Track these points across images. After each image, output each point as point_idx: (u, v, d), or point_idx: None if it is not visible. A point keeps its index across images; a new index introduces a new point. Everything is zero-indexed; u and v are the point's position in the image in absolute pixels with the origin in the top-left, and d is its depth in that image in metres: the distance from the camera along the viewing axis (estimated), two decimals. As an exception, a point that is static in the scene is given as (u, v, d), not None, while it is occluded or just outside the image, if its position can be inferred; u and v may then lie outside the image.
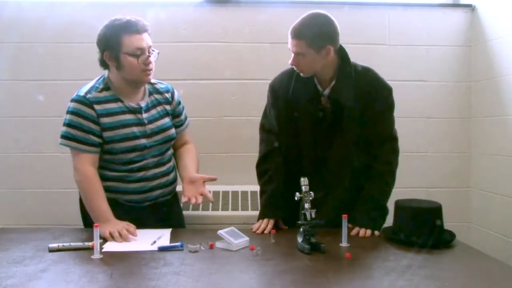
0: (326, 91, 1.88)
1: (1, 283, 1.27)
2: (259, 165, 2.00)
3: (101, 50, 1.89)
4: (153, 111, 1.96)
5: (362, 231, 1.81)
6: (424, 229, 1.63)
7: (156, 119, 1.95)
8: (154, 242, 1.66)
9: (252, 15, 2.87)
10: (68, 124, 1.85)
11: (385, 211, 1.88)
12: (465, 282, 1.34)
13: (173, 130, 2.01)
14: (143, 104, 1.93)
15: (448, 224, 1.73)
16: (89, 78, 2.82)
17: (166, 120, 1.99)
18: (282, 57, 2.79)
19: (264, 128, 2.02)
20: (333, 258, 1.52)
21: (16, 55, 2.83)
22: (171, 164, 2.04)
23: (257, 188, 2.76)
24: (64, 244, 1.60)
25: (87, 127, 1.84)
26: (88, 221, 1.89)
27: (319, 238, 1.59)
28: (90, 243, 1.56)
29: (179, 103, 2.07)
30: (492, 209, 2.77)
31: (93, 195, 1.84)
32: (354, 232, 1.82)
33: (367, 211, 1.85)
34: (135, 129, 1.89)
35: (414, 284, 1.28)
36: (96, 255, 1.49)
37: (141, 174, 1.92)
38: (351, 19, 2.88)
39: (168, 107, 2.01)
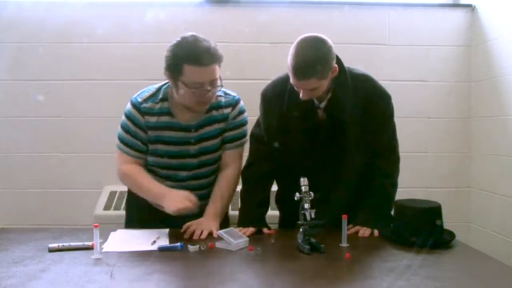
0: (323, 104, 1.81)
1: (1, 283, 1.26)
2: (244, 172, 1.97)
3: (164, 66, 1.78)
4: (206, 129, 1.88)
5: (362, 230, 1.81)
6: (424, 229, 1.63)
7: (204, 140, 1.88)
8: (154, 242, 1.66)
9: (251, 15, 2.88)
10: (121, 125, 1.88)
11: (389, 219, 1.83)
12: (464, 282, 1.34)
13: (218, 153, 1.93)
14: (194, 121, 1.85)
15: (448, 224, 1.73)
16: (89, 78, 2.88)
17: (214, 142, 1.90)
18: (282, 57, 2.81)
19: (254, 136, 1.98)
20: (332, 258, 1.52)
21: (16, 55, 2.83)
22: (207, 189, 1.98)
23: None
24: (64, 244, 1.59)
25: (135, 132, 1.84)
26: (129, 220, 2.02)
27: (319, 238, 1.59)
28: (90, 243, 1.56)
29: (234, 117, 1.91)
30: (492, 209, 2.77)
31: (138, 182, 1.85)
32: (352, 230, 1.81)
33: (370, 217, 1.84)
34: (176, 148, 1.86)
35: (413, 284, 1.28)
36: (96, 255, 1.49)
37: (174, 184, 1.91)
38: (351, 19, 2.89)
39: (221, 125, 1.89)
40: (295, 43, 1.71)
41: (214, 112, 1.88)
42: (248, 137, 1.98)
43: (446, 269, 1.43)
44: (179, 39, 1.76)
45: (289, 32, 2.86)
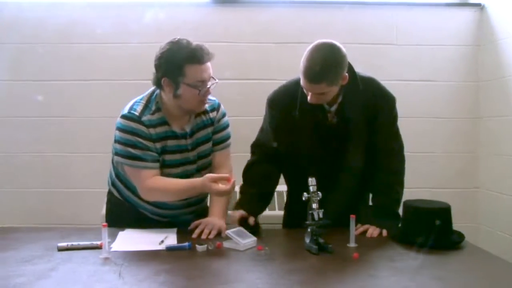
0: (333, 108, 1.83)
1: (11, 282, 1.28)
2: (245, 172, 1.96)
3: (159, 74, 1.77)
4: (198, 135, 1.90)
5: (370, 230, 1.80)
6: (432, 230, 1.62)
7: (199, 145, 1.90)
8: (162, 241, 1.67)
9: (258, 15, 2.88)
10: (125, 143, 1.78)
11: (397, 218, 1.84)
12: (473, 284, 1.33)
13: (211, 156, 1.96)
14: (188, 128, 1.87)
15: (455, 225, 1.72)
16: (89, 78, 2.89)
17: (208, 145, 1.93)
18: (288, 57, 2.81)
19: (257, 142, 1.99)
20: (340, 258, 1.51)
21: (16, 55, 2.85)
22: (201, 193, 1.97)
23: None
24: (73, 243, 1.60)
25: (144, 145, 1.78)
26: (112, 222, 1.93)
27: (327, 238, 1.59)
28: (99, 242, 1.56)
29: (219, 120, 1.95)
30: (501, 210, 2.75)
31: (171, 189, 1.81)
32: (361, 229, 1.80)
33: (379, 216, 1.83)
34: (178, 156, 1.86)
35: (421, 285, 1.28)
36: (105, 254, 1.50)
37: None
38: (358, 19, 2.89)
39: (210, 129, 1.93)
40: (310, 47, 1.71)
41: (203, 117, 1.91)
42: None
43: (454, 270, 1.43)
44: (167, 46, 1.76)
45: (295, 32, 2.89)
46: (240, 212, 1.84)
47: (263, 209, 1.96)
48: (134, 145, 1.78)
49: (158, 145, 1.82)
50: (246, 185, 1.95)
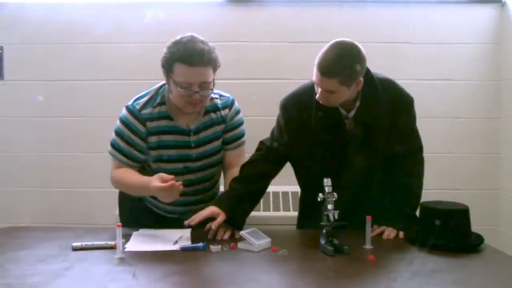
0: (351, 113, 1.78)
1: (27, 281, 1.29)
2: (242, 168, 1.89)
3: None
4: (205, 133, 1.88)
5: (387, 231, 1.77)
6: (449, 231, 1.60)
7: (205, 143, 1.88)
8: (176, 241, 1.67)
9: (271, 14, 2.87)
10: (115, 131, 1.85)
11: (415, 220, 1.80)
12: (493, 287, 1.29)
13: (220, 155, 1.94)
14: (193, 125, 1.85)
15: (475, 227, 1.69)
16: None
17: (216, 144, 1.91)
18: (302, 56, 2.78)
19: (264, 144, 1.95)
20: (356, 260, 1.49)
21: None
22: (211, 190, 2.00)
23: (278, 189, 2.75)
24: (88, 243, 1.61)
25: (130, 139, 1.82)
26: (124, 217, 1.99)
27: (342, 239, 1.57)
28: (113, 243, 1.57)
29: (232, 118, 1.92)
30: (522, 212, 2.69)
31: (126, 182, 1.83)
32: (378, 230, 1.77)
33: (396, 217, 1.80)
34: (177, 152, 1.85)
35: (440, 289, 1.25)
36: (119, 254, 1.50)
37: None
38: (375, 17, 2.85)
39: (220, 127, 1.90)
40: (331, 42, 1.68)
41: (212, 115, 1.88)
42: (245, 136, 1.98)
43: (474, 272, 1.40)
44: (177, 38, 1.75)
45: (310, 31, 2.86)
46: (211, 211, 1.75)
47: (244, 210, 1.84)
48: (122, 137, 1.82)
49: (155, 138, 1.82)
50: (237, 182, 1.86)
